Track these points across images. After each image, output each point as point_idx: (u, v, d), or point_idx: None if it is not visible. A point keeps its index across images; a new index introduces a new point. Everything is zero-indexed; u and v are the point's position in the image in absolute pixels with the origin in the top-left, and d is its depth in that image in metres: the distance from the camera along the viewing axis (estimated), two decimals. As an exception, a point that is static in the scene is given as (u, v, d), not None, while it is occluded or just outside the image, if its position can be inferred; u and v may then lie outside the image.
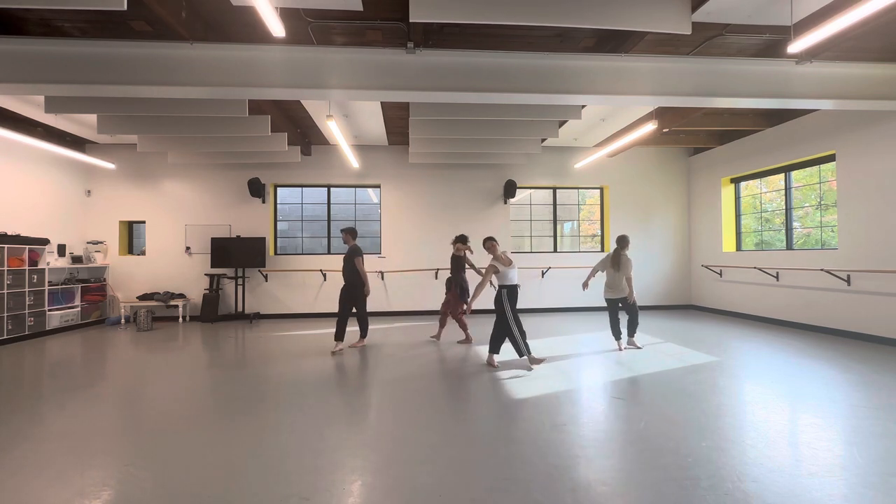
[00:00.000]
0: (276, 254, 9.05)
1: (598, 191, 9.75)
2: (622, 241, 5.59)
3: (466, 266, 6.12)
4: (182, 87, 4.35)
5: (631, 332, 5.73)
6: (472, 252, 6.25)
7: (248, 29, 4.53)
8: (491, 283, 4.77)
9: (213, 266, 8.41)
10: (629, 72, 4.70)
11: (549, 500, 2.22)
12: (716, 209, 8.83)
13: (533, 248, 9.48)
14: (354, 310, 5.76)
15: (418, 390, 4.07)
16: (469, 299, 4.43)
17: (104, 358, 5.58)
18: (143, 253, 8.68)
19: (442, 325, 6.30)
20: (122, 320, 8.11)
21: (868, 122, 5.99)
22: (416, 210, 9.00)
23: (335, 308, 5.83)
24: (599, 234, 9.74)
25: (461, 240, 6.16)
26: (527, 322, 7.53)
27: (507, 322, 4.68)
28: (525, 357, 4.76)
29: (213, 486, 2.39)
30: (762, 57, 4.97)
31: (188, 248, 8.63)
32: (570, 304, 9.14)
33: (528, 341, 4.79)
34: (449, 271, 6.26)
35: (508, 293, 4.70)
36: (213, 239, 8.45)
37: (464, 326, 6.17)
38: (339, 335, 5.56)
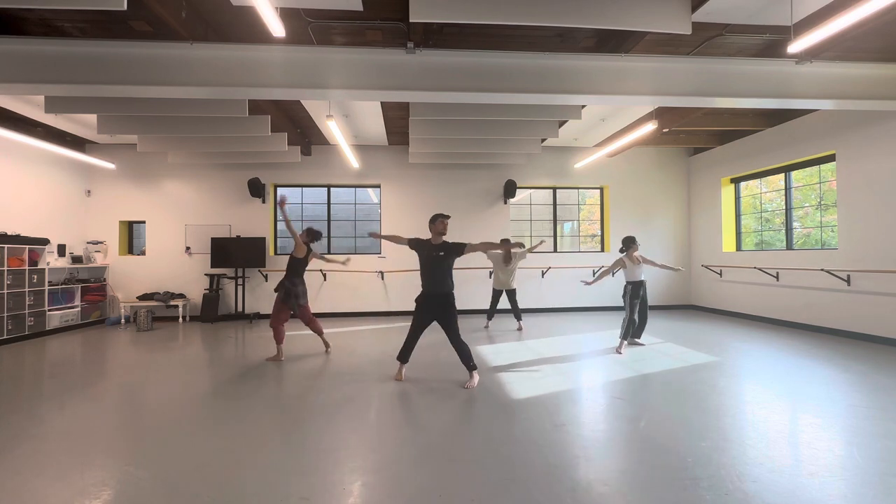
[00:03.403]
0: (276, 254, 9.04)
1: (598, 191, 9.74)
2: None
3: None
4: (182, 87, 4.34)
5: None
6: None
7: (248, 29, 4.53)
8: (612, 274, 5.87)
9: (213, 266, 8.41)
10: (629, 72, 4.70)
11: (549, 500, 2.22)
12: (716, 209, 8.82)
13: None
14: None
15: (418, 390, 4.08)
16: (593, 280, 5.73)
17: (104, 358, 5.58)
18: (143, 253, 8.68)
19: (279, 340, 5.21)
20: (122, 320, 8.11)
21: (868, 122, 5.98)
22: (416, 210, 8.98)
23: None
24: (599, 234, 9.74)
25: (316, 237, 5.36)
26: (527, 321, 7.62)
27: (628, 310, 5.57)
28: (622, 340, 5.50)
29: (213, 485, 2.39)
30: (762, 57, 4.96)
31: (188, 248, 8.63)
32: (571, 304, 9.15)
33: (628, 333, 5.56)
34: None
35: (633, 288, 5.62)
36: (213, 239, 8.44)
37: (281, 340, 5.19)
38: (405, 355, 4.40)
